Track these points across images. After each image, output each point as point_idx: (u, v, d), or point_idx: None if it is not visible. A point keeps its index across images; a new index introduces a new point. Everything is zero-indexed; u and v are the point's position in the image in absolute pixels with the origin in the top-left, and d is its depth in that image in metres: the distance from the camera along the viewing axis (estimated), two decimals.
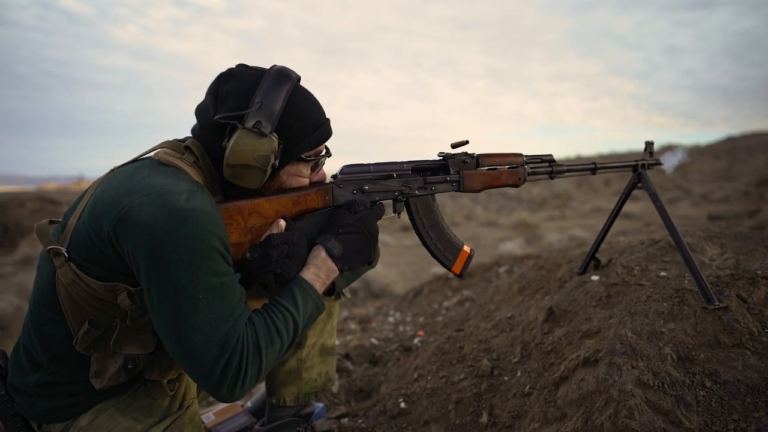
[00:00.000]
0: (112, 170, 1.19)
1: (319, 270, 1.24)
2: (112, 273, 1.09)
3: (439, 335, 2.65)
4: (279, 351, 1.13)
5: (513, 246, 10.32)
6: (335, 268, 1.26)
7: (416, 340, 2.72)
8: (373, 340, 2.90)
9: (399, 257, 9.10)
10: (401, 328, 3.13)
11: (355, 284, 5.73)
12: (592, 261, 1.97)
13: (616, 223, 1.89)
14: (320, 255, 1.25)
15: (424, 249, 1.46)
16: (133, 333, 1.15)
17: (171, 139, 1.24)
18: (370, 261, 1.32)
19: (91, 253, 1.08)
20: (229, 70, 1.20)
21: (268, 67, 1.21)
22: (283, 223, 1.23)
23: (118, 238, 1.03)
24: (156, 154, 1.18)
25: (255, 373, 1.07)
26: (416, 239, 1.47)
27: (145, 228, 1.00)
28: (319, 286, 1.24)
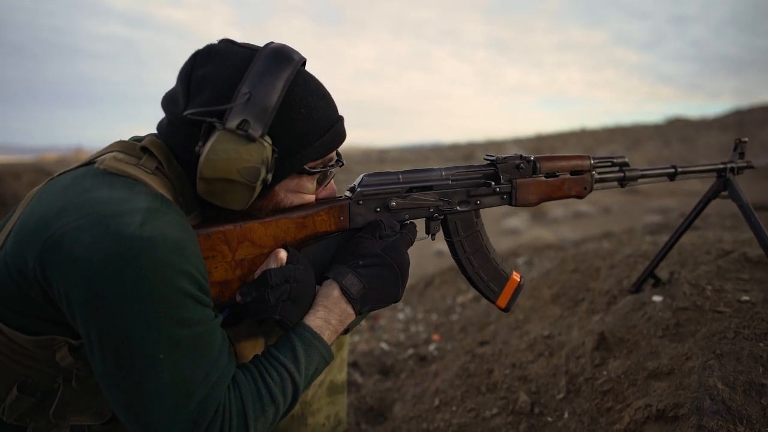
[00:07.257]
0: (51, 179, 0.88)
1: (330, 314, 0.95)
2: (43, 323, 0.80)
3: (457, 342, 2.37)
4: (273, 420, 0.88)
5: (518, 222, 10.01)
6: (351, 311, 0.97)
7: (432, 347, 2.45)
8: (384, 345, 2.63)
9: None
10: (413, 328, 2.86)
11: None
12: (649, 278, 1.66)
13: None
14: (332, 294, 0.96)
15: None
16: (81, 397, 0.86)
17: (127, 139, 0.92)
18: (397, 299, 1.02)
19: (13, 296, 0.79)
20: (209, 47, 0.88)
21: (262, 45, 0.88)
22: (283, 254, 0.94)
23: (45, 275, 0.75)
24: (101, 162, 0.85)
25: None
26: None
27: (81, 264, 0.72)
28: (329, 335, 0.95)
